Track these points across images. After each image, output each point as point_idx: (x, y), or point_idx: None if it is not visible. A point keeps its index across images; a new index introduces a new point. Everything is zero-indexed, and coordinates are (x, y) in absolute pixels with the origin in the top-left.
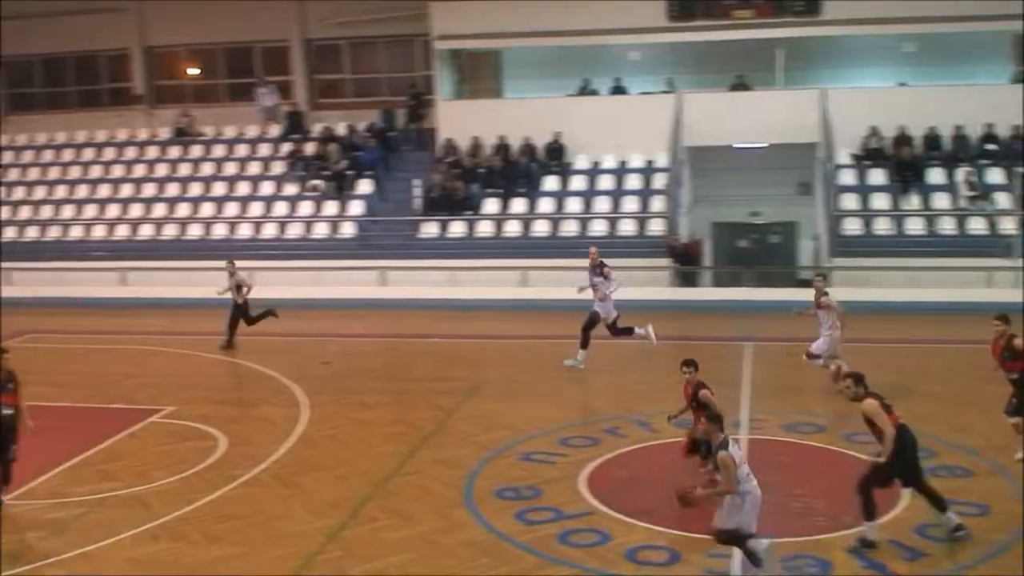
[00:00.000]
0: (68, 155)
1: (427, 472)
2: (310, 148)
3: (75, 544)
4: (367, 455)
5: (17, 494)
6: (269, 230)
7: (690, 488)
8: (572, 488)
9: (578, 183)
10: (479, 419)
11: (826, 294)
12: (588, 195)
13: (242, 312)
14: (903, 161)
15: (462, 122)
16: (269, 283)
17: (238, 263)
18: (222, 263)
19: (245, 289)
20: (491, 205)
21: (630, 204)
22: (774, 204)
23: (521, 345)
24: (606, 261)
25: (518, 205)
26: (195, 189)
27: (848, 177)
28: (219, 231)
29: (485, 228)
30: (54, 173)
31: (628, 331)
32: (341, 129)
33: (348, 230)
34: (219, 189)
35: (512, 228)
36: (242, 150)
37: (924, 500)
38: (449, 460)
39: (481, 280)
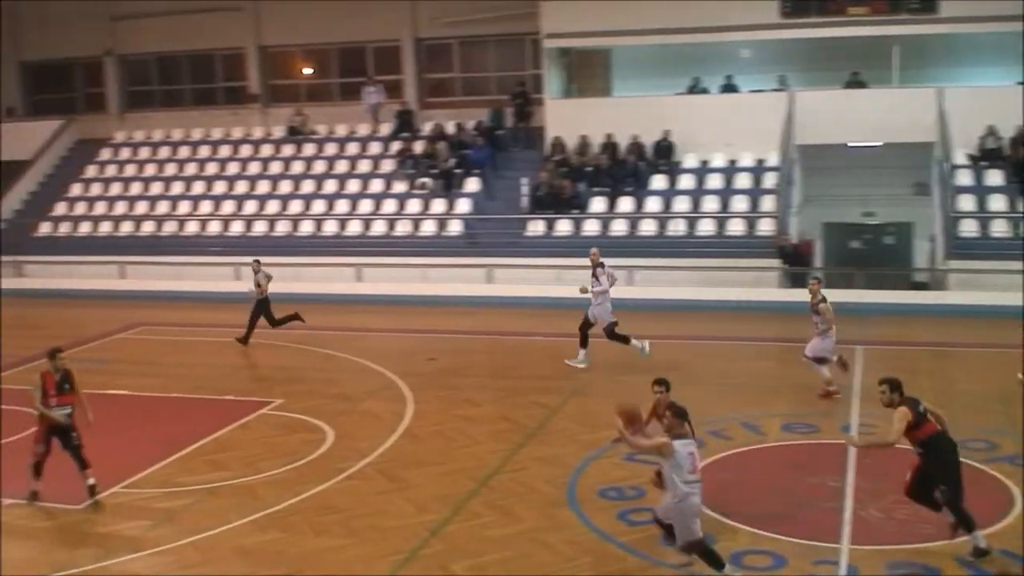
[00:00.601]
0: (184, 152)
1: (531, 470)
2: (419, 146)
3: (185, 532)
4: (471, 451)
5: (129, 482)
6: (378, 227)
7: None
8: None
9: (686, 182)
10: (583, 418)
11: (824, 300)
12: (696, 194)
13: (265, 311)
14: (1021, 162)
15: (570, 121)
16: (377, 279)
17: (347, 259)
18: (335, 259)
19: (260, 287)
20: (598, 204)
21: (739, 203)
22: (888, 204)
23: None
24: (605, 262)
25: (625, 204)
26: (307, 187)
27: (964, 178)
28: (329, 228)
29: (592, 227)
30: (170, 169)
31: (624, 339)
32: (450, 128)
33: (455, 228)
34: (330, 187)
35: (619, 227)
36: (353, 148)
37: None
38: (553, 458)
39: (586, 279)
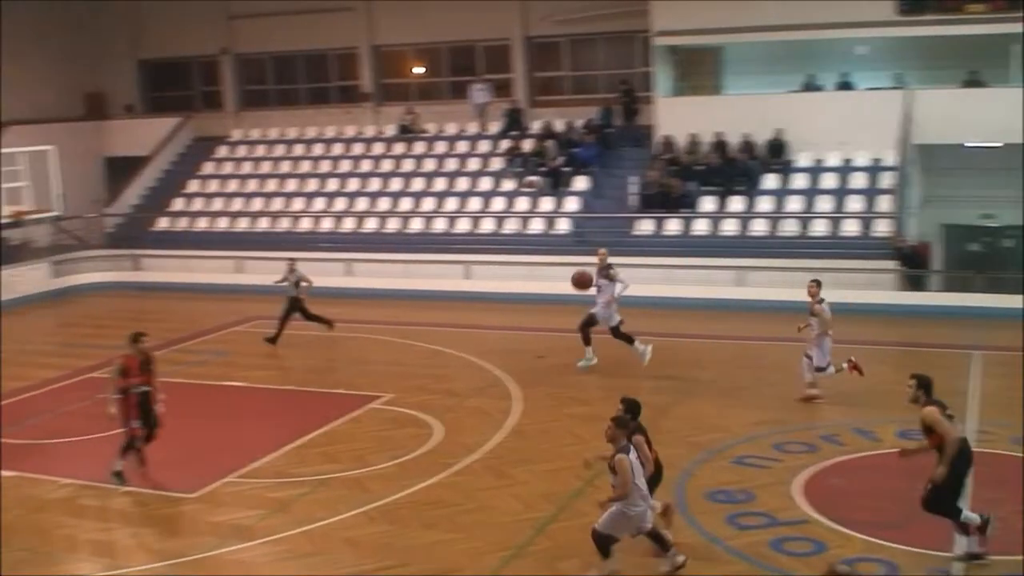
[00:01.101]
0: (298, 150)
1: None
2: (528, 145)
3: (297, 522)
4: (578, 450)
5: (244, 472)
6: (487, 225)
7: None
8: (786, 494)
9: (800, 181)
10: (692, 419)
11: (821, 301)
12: (810, 194)
13: (300, 307)
14: None
15: (680, 119)
16: (485, 276)
17: (456, 256)
18: (443, 256)
19: (305, 284)
20: (708, 203)
21: (854, 204)
22: (1008, 207)
23: (738, 346)
24: (613, 262)
25: (736, 203)
26: (417, 184)
27: None
28: (439, 225)
29: (701, 226)
30: (285, 167)
31: (629, 340)
32: (559, 126)
33: (563, 226)
34: (440, 184)
35: (729, 227)
36: (462, 147)
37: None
38: (661, 459)
39: (696, 279)
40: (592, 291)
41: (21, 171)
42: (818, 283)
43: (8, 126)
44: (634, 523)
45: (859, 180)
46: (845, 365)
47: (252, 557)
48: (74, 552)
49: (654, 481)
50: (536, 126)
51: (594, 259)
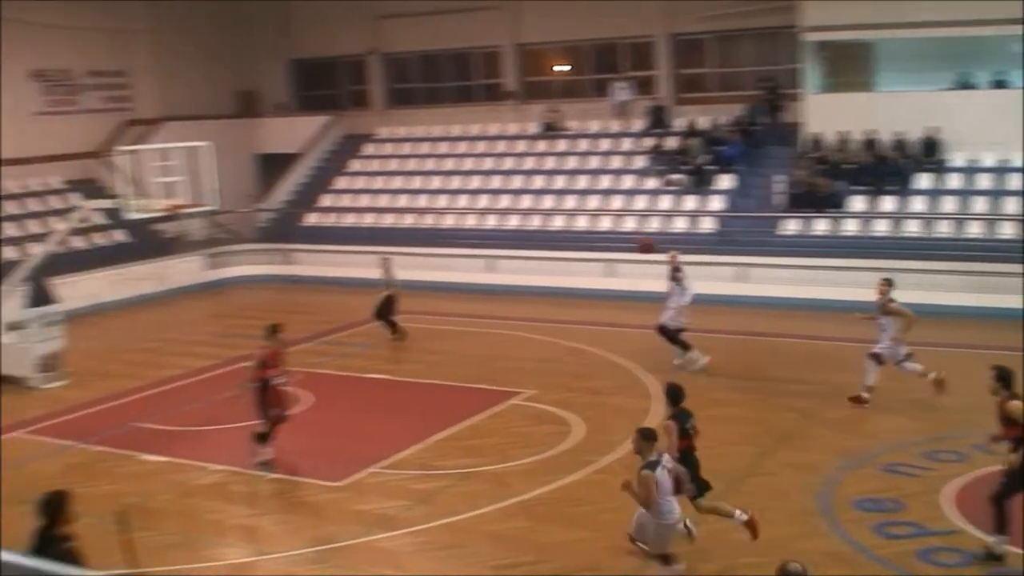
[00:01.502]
0: (443, 147)
1: (783, 475)
2: (672, 142)
3: (438, 514)
4: (720, 453)
5: (388, 463)
6: (629, 223)
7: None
8: (936, 504)
9: (954, 181)
10: (839, 425)
11: (892, 300)
12: (965, 195)
13: (386, 307)
14: None
15: (829, 116)
16: (627, 275)
17: (598, 254)
18: (585, 254)
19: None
20: (857, 203)
21: (1012, 206)
22: None
23: None
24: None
25: (887, 203)
26: (559, 182)
27: None
28: (581, 223)
29: (850, 226)
30: (430, 164)
31: (686, 347)
32: (703, 123)
33: (707, 225)
34: (582, 182)
35: (880, 227)
36: (605, 144)
37: None
38: (806, 465)
39: (843, 280)
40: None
41: (177, 166)
42: (889, 282)
43: (165, 122)
44: (675, 529)
45: (1016, 181)
46: (931, 376)
47: (395, 546)
48: (222, 537)
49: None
50: (680, 124)
51: (731, 259)
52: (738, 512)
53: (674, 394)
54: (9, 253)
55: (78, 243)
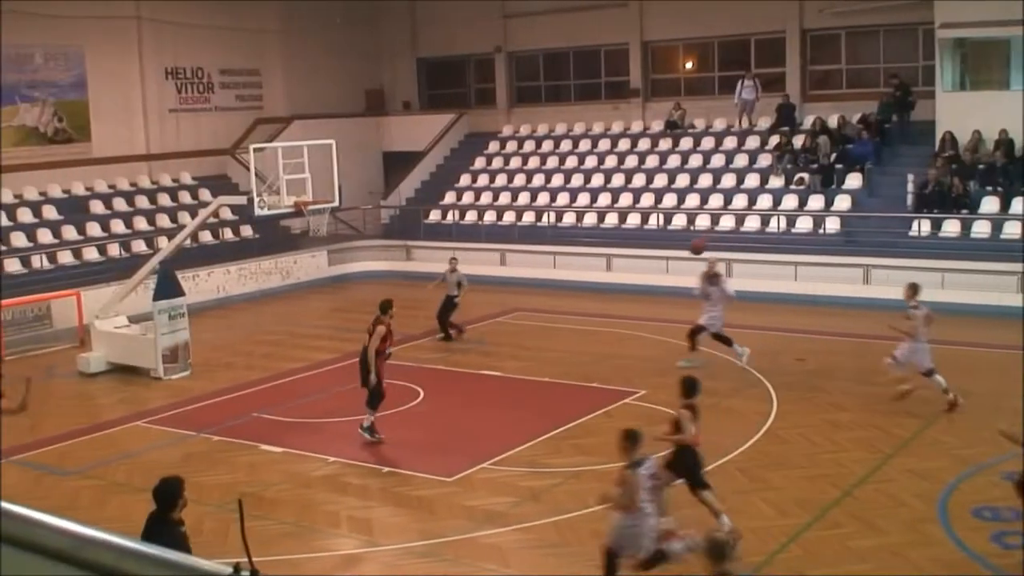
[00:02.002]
0: (566, 145)
1: (899, 482)
2: (799, 140)
3: (547, 512)
4: (836, 458)
5: (499, 459)
6: (751, 223)
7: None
8: None
9: None
10: (960, 431)
11: (916, 306)
12: None
13: (448, 308)
14: None
15: (963, 114)
16: (748, 275)
17: (719, 254)
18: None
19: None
20: (990, 204)
21: None
22: None
23: (1012, 356)
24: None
25: (1019, 205)
26: (682, 181)
27: None
28: (702, 222)
29: (982, 228)
30: (552, 162)
31: (728, 341)
32: (832, 121)
33: (833, 225)
34: (705, 181)
35: (1012, 229)
36: (730, 143)
37: None
38: (924, 472)
39: (974, 284)
40: (709, 292)
41: (303, 163)
42: (914, 287)
43: (294, 120)
44: (641, 542)
45: None
46: (951, 396)
47: (503, 543)
48: (335, 528)
49: (685, 464)
50: (808, 121)
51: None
52: (725, 519)
53: (690, 386)
54: (139, 246)
55: (207, 238)
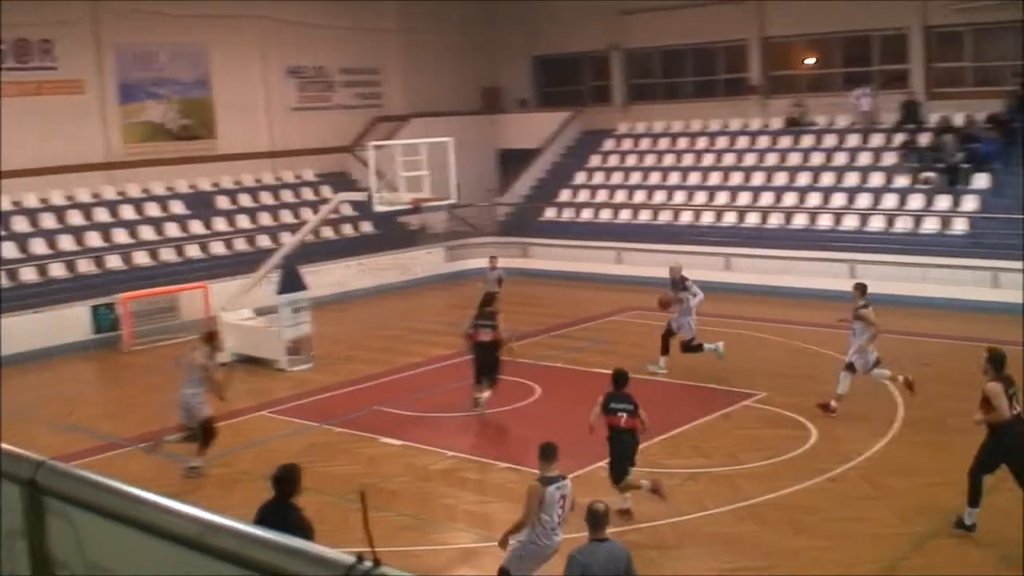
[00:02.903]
0: (682, 143)
1: None
2: (924, 139)
3: (664, 513)
4: (962, 466)
5: None
6: (875, 223)
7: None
8: None
9: None
10: None
11: (866, 306)
12: None
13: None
14: None
15: None
16: (872, 277)
17: (841, 254)
18: (827, 254)
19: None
20: None
21: None
22: None
23: None
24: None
25: None
26: (803, 179)
27: None
28: (824, 222)
29: None
30: (668, 160)
31: (699, 348)
32: (958, 119)
33: (960, 226)
34: (827, 179)
35: None
36: (853, 140)
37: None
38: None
39: None
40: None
41: (421, 161)
42: (861, 287)
43: (411, 118)
44: (536, 561)
45: None
46: (900, 378)
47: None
48: (453, 521)
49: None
50: (934, 119)
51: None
52: (643, 482)
53: (618, 378)
54: (263, 241)
55: (327, 233)
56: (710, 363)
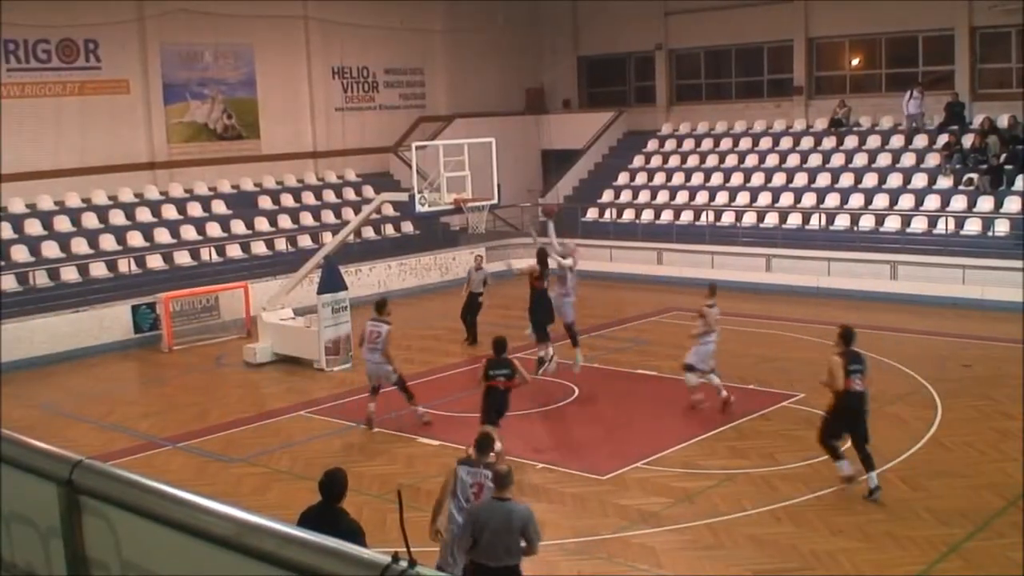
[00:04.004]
0: (726, 144)
1: None
2: (969, 140)
3: (702, 514)
4: (1002, 467)
5: (653, 459)
6: (918, 224)
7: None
8: None
9: None
10: None
11: (712, 305)
12: None
13: (474, 307)
14: None
15: None
16: (912, 278)
17: (883, 255)
18: (869, 255)
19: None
20: None
21: None
22: None
23: None
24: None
25: None
26: (846, 180)
27: None
28: (866, 223)
29: None
30: (711, 161)
31: (575, 340)
32: (1003, 121)
33: (1003, 228)
34: (870, 180)
35: None
36: (897, 141)
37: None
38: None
39: None
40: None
41: (464, 161)
42: (712, 287)
43: (455, 118)
44: (448, 548)
45: None
46: (724, 394)
47: (656, 543)
48: None
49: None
50: (977, 121)
51: None
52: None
53: (497, 345)
54: (305, 241)
55: (369, 233)
56: (748, 364)
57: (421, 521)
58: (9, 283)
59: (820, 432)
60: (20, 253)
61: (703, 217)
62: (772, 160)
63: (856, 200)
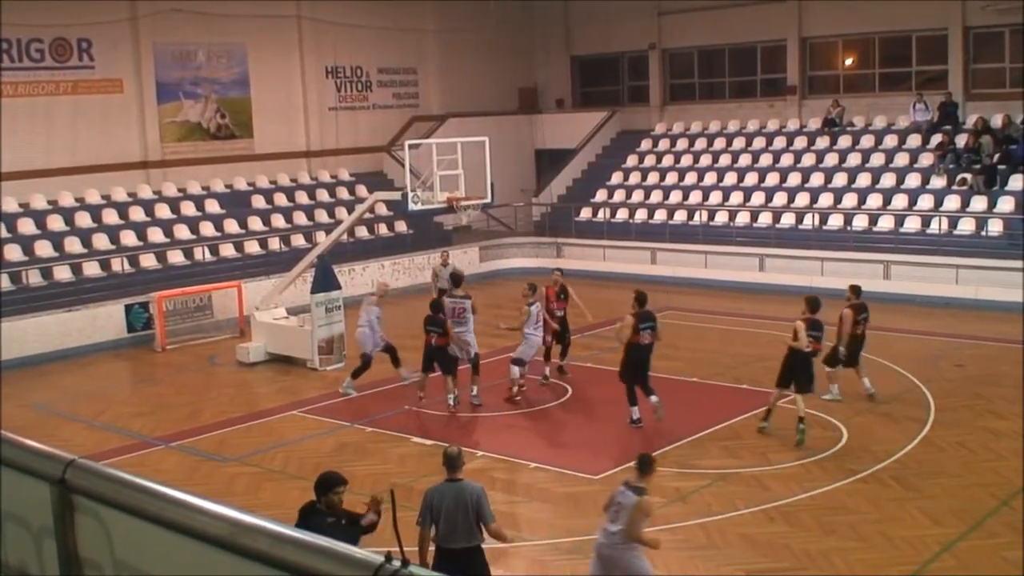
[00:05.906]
0: (719, 144)
1: None
2: (962, 140)
3: (695, 514)
4: (994, 467)
5: None
6: (911, 224)
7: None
8: None
9: None
10: None
11: (532, 304)
12: None
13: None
14: None
15: None
16: (906, 277)
17: (875, 255)
18: (862, 254)
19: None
20: None
21: None
22: None
23: None
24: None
25: None
26: (839, 180)
27: None
28: (859, 222)
29: None
30: (705, 160)
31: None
32: (996, 121)
33: (996, 227)
34: (863, 180)
35: None
36: (890, 141)
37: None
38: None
39: None
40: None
41: (457, 160)
42: (533, 288)
43: (448, 118)
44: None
45: None
46: (515, 389)
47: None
48: None
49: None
50: (970, 120)
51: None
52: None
53: (433, 306)
54: (298, 241)
55: (362, 233)
56: (741, 363)
57: (413, 521)
58: (2, 282)
59: (621, 372)
60: (13, 252)
61: (697, 217)
62: (765, 160)
63: (849, 200)
